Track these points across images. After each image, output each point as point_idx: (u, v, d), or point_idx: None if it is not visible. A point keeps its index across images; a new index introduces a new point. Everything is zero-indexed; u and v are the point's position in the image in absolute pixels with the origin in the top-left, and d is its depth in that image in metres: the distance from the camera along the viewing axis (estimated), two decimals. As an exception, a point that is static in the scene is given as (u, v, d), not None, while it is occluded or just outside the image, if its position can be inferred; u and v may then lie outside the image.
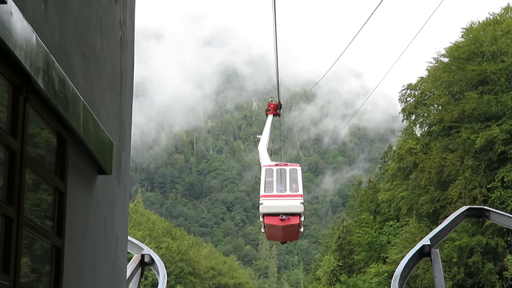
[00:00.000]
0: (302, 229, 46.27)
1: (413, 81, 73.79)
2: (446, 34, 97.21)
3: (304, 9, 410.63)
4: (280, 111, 59.03)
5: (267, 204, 42.93)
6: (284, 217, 42.26)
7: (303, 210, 43.81)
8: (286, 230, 44.13)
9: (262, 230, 46.75)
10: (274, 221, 42.63)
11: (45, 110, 6.00)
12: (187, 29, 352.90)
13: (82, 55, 7.28)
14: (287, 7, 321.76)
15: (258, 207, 44.66)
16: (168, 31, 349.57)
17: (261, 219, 44.44)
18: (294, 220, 42.80)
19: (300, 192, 44.00)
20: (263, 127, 58.18)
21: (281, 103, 58.79)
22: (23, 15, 5.17)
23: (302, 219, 44.08)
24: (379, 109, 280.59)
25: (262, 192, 44.04)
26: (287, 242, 55.31)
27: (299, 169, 45.49)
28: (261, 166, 47.31)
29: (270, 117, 57.24)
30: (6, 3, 4.57)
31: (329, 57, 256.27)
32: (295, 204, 43.01)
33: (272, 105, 58.15)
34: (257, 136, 61.13)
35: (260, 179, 46.15)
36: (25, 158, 5.50)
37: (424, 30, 42.13)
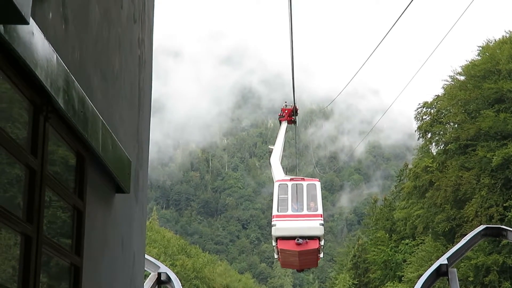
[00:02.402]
0: (321, 255, 40.39)
1: (430, 99, 73.78)
2: (463, 52, 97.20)
3: (320, 27, 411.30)
4: (295, 118, 52.27)
5: (281, 226, 37.31)
6: (300, 241, 36.59)
7: (323, 232, 37.93)
8: (303, 256, 38.34)
9: (276, 256, 40.95)
10: (289, 245, 37.05)
11: (65, 129, 6.04)
12: (205, 47, 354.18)
13: (101, 75, 7.32)
14: (304, 26, 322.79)
15: (271, 230, 38.81)
16: (186, 49, 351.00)
17: (273, 244, 38.75)
18: (313, 245, 37.11)
19: (320, 211, 38.05)
20: (276, 136, 51.59)
21: (297, 107, 52.20)
22: (44, 35, 5.22)
23: (322, 243, 38.26)
24: (396, 127, 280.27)
25: (275, 212, 38.16)
26: (304, 270, 48.81)
27: (318, 184, 39.56)
28: (274, 181, 41.16)
29: (284, 124, 51.07)
30: (28, 23, 4.61)
31: (347, 74, 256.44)
32: (313, 226, 37.28)
33: (286, 111, 51.78)
34: (270, 147, 54.25)
35: (273, 196, 40.00)
36: (44, 177, 5.53)
37: (441, 48, 41.91)
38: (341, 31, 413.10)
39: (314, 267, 48.65)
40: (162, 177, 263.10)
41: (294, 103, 50.21)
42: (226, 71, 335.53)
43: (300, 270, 47.55)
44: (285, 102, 54.28)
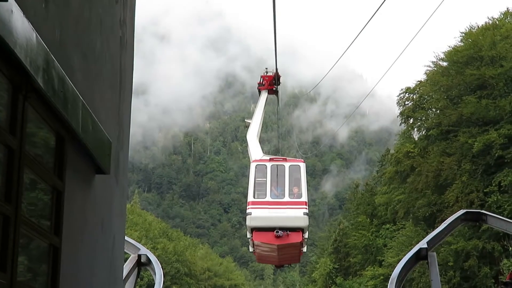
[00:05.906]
0: (305, 249, 35.29)
1: (413, 84, 73.93)
2: (446, 38, 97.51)
3: (305, 13, 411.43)
4: (277, 88, 44.96)
5: (258, 215, 31.64)
6: (280, 233, 31.08)
7: (307, 223, 32.52)
8: (283, 251, 32.98)
9: (251, 249, 35.09)
10: (267, 238, 31.58)
11: (44, 109, 5.98)
12: (191, 31, 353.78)
13: (82, 55, 7.27)
14: (288, 12, 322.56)
15: (245, 219, 32.87)
16: (172, 32, 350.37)
17: (248, 235, 32.99)
18: (295, 238, 31.78)
19: (304, 198, 32.38)
20: (255, 109, 44.53)
21: (280, 75, 44.51)
22: (23, 14, 5.16)
23: (306, 235, 33.01)
24: (380, 112, 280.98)
25: (250, 198, 32.45)
26: (284, 266, 41.85)
27: (302, 166, 33.62)
28: (250, 160, 35.06)
29: (264, 94, 43.74)
30: (7, 1, 4.56)
31: (334, 58, 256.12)
32: (296, 215, 31.70)
33: (266, 78, 44.61)
34: (246, 120, 47.30)
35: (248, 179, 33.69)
36: (23, 156, 5.49)
37: (425, 34, 41.73)
38: (327, 16, 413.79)
39: (296, 263, 42.59)
40: (144, 160, 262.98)
41: (276, 69, 42.38)
42: (211, 56, 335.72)
43: (279, 266, 41.49)
44: (266, 68, 46.73)
